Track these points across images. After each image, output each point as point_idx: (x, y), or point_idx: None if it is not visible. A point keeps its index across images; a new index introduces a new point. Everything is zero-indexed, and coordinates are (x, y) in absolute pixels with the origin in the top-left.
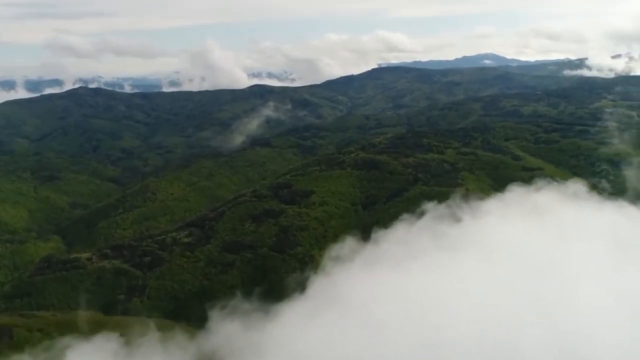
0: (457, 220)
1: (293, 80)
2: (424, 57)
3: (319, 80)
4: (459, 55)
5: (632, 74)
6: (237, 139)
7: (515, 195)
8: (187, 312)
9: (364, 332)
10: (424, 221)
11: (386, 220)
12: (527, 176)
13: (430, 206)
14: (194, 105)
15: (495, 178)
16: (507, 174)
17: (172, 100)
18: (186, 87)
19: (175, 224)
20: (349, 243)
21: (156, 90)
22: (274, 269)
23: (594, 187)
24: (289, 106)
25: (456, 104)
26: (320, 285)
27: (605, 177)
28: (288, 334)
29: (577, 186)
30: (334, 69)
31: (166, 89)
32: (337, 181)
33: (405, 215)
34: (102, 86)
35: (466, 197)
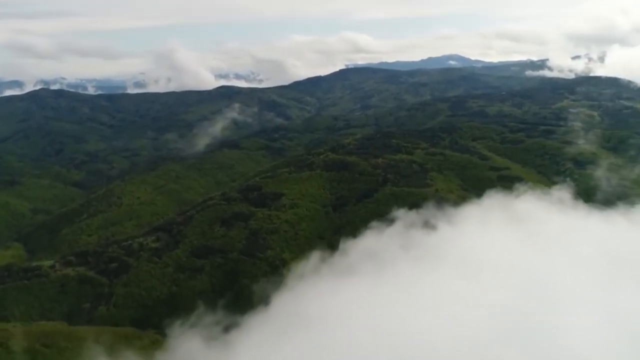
0: (431, 227)
1: (260, 81)
2: (390, 58)
3: (286, 81)
4: (425, 57)
5: (591, 74)
6: (205, 141)
7: (493, 202)
8: (156, 320)
9: (329, 352)
10: (395, 228)
11: (357, 221)
12: (495, 175)
13: (401, 213)
14: (160, 106)
15: (463, 178)
16: (475, 174)
17: (137, 101)
18: (152, 88)
19: (142, 228)
20: (317, 254)
21: (121, 91)
22: (245, 274)
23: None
24: (257, 107)
25: (423, 104)
26: (286, 301)
27: (570, 176)
28: (253, 353)
29: (558, 192)
30: (301, 70)
31: (131, 91)
32: (307, 183)
33: (374, 223)
34: (65, 88)
35: (440, 203)
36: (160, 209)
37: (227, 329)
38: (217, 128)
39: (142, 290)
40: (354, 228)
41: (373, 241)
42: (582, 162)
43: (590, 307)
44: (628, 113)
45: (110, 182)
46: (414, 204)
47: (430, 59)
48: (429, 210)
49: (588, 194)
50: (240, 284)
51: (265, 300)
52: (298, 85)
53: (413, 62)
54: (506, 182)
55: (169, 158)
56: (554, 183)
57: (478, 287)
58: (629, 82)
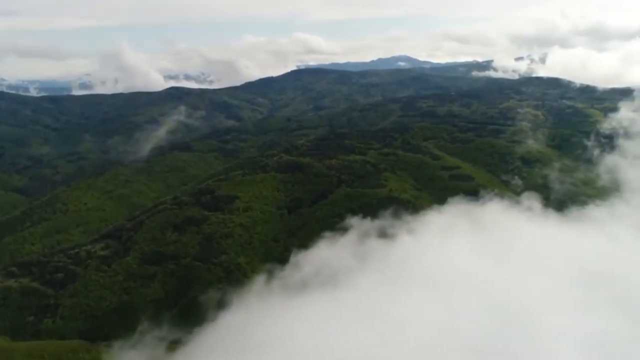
0: (389, 237)
1: (211, 82)
2: (341, 59)
3: (238, 82)
4: (375, 57)
5: (533, 75)
6: (155, 144)
7: (453, 208)
8: (106, 331)
9: None
10: (350, 238)
11: (313, 223)
12: (446, 175)
13: (355, 221)
14: (107, 108)
15: (416, 178)
16: (427, 174)
17: (83, 103)
18: (98, 89)
19: (90, 236)
20: (268, 267)
21: (66, 93)
22: (199, 280)
23: (507, 184)
24: (208, 109)
25: (375, 105)
26: (234, 321)
27: (518, 175)
28: None
29: (519, 198)
30: (253, 71)
31: (77, 92)
32: (261, 185)
33: (328, 233)
34: (5, 89)
35: (398, 210)
36: (109, 215)
37: (173, 346)
38: (167, 130)
39: (91, 301)
40: (309, 230)
41: (326, 253)
42: (529, 161)
43: (563, 329)
44: (570, 112)
45: (55, 188)
46: (370, 210)
47: (380, 59)
48: (385, 219)
49: (536, 191)
50: (194, 290)
51: (213, 316)
52: (250, 86)
53: (364, 63)
54: (457, 182)
55: (118, 162)
56: (503, 181)
57: (442, 307)
58: (569, 82)
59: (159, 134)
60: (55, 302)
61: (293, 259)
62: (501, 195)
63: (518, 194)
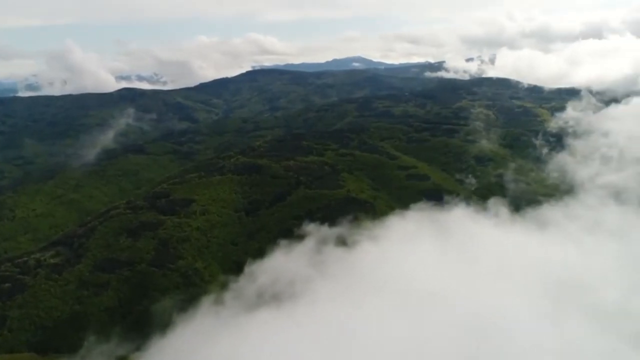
0: (349, 244)
1: (165, 83)
2: (296, 60)
3: (192, 83)
4: (330, 58)
5: (483, 75)
6: (107, 146)
7: (418, 215)
8: (58, 343)
9: None
10: (308, 246)
11: (271, 225)
12: (403, 174)
13: (313, 227)
14: (56, 110)
15: (373, 178)
16: (384, 174)
17: (30, 105)
18: (46, 91)
19: (39, 243)
20: (222, 280)
21: (11, 95)
22: (155, 286)
23: (461, 182)
24: (162, 110)
25: (331, 105)
26: (184, 339)
27: (472, 173)
28: None
29: (492, 206)
30: (208, 72)
31: (23, 94)
32: (218, 188)
33: (284, 241)
34: None
35: (358, 215)
36: (59, 221)
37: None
38: (119, 132)
39: (41, 311)
40: (268, 232)
41: (283, 262)
42: (483, 160)
43: (534, 342)
44: (520, 112)
45: (1, 194)
46: (329, 213)
47: (335, 60)
48: (344, 225)
49: (489, 189)
50: (150, 297)
51: (166, 329)
52: (204, 87)
53: (319, 64)
54: (414, 181)
55: (68, 165)
56: (458, 180)
57: (407, 321)
58: (518, 82)
59: (111, 136)
60: (2, 313)
61: (248, 269)
62: (464, 200)
63: (472, 192)
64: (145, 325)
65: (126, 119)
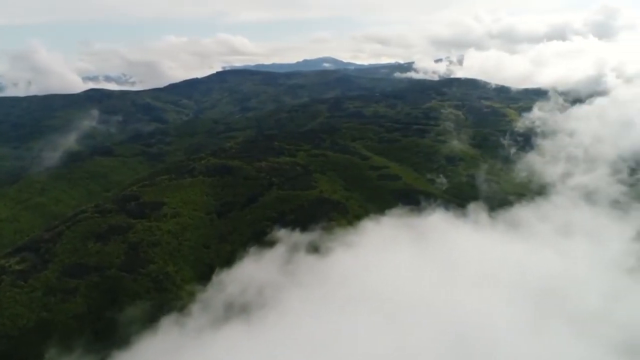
0: (323, 251)
1: (133, 83)
2: (266, 61)
3: (161, 83)
4: (300, 59)
5: (452, 76)
6: (74, 149)
7: (395, 220)
8: (23, 352)
9: None
10: (278, 253)
11: (244, 227)
12: (375, 174)
13: (284, 232)
14: (21, 112)
15: (346, 178)
16: (357, 174)
17: None
18: (10, 92)
19: (4, 249)
20: (192, 284)
21: None
22: (125, 292)
23: (432, 182)
24: (131, 111)
25: (303, 106)
26: (147, 355)
27: (443, 173)
28: None
29: (468, 209)
30: (177, 72)
31: None
32: (189, 190)
33: (254, 249)
34: None
35: (332, 222)
36: (25, 226)
37: None
38: (86, 134)
39: (6, 320)
40: (241, 235)
41: (253, 271)
42: (454, 160)
43: (518, 351)
44: (488, 112)
45: None
46: (302, 215)
47: (305, 61)
48: (317, 230)
49: (460, 189)
50: (120, 303)
51: (132, 338)
52: (174, 88)
53: (289, 64)
54: (386, 181)
55: (33, 168)
56: (429, 180)
57: (384, 331)
58: (486, 83)
59: (78, 138)
60: None
61: (216, 278)
62: (440, 203)
63: (444, 192)
64: (112, 334)
65: (93, 120)
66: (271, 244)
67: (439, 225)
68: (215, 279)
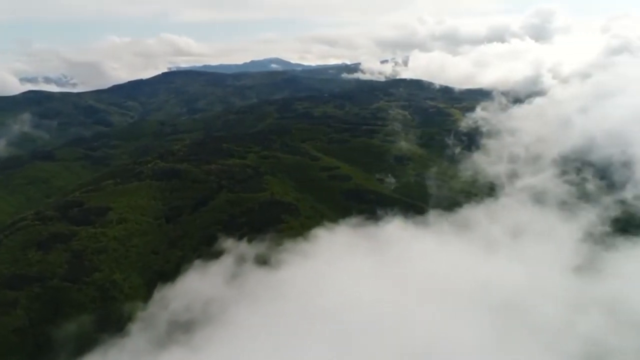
0: (273, 264)
1: (75, 85)
2: (213, 61)
3: (104, 85)
4: (247, 60)
5: (398, 77)
6: (12, 153)
7: (351, 229)
8: None
9: None
10: (225, 265)
11: (193, 231)
12: (325, 175)
13: (231, 244)
14: None
15: (297, 180)
16: (307, 175)
17: None
18: None
19: None
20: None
21: None
22: (69, 302)
23: (382, 182)
24: (73, 113)
25: (251, 107)
26: None
27: (392, 173)
28: None
29: (426, 216)
30: (121, 73)
31: None
32: (136, 194)
33: (198, 262)
34: None
35: (282, 230)
36: None
37: None
38: (25, 137)
39: None
40: (191, 239)
41: (198, 285)
42: (402, 159)
43: None
44: (434, 112)
45: None
46: (253, 218)
47: (253, 62)
48: (266, 241)
49: (409, 188)
50: (64, 315)
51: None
52: (118, 89)
53: (237, 65)
54: (336, 181)
55: None
56: (378, 180)
57: (341, 352)
58: (430, 83)
59: (15, 142)
60: None
61: (158, 294)
62: (395, 210)
63: (392, 191)
64: (56, 348)
65: (32, 123)
66: (218, 254)
67: (394, 233)
68: (157, 294)
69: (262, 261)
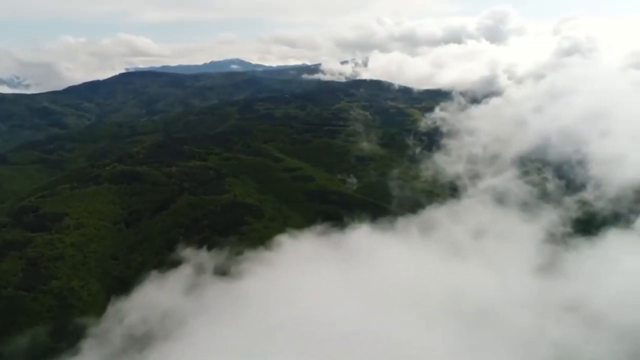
0: (235, 273)
1: (27, 86)
2: (172, 62)
3: (59, 86)
4: (207, 60)
5: (358, 78)
6: None
7: (316, 236)
8: None
9: None
10: (184, 276)
11: (155, 235)
12: (288, 176)
13: (190, 252)
14: None
15: (259, 181)
16: (270, 176)
17: None
18: None
19: None
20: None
21: None
22: (25, 312)
23: (344, 182)
24: (26, 116)
25: (212, 108)
26: None
27: (354, 173)
28: None
29: (395, 222)
30: (76, 74)
31: None
32: (94, 199)
33: (154, 272)
34: None
35: (245, 233)
36: None
37: None
38: None
39: None
40: (152, 244)
41: (155, 297)
42: (364, 159)
43: None
44: (394, 112)
45: None
46: (215, 220)
47: (213, 62)
48: (224, 250)
49: (371, 188)
50: (19, 325)
51: None
52: (74, 91)
53: (196, 66)
54: (299, 182)
55: None
56: (340, 180)
57: None
58: (390, 84)
59: None
60: None
61: (112, 307)
62: (360, 217)
63: (355, 191)
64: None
65: None
66: (176, 263)
67: (359, 240)
68: (111, 308)
69: (222, 272)
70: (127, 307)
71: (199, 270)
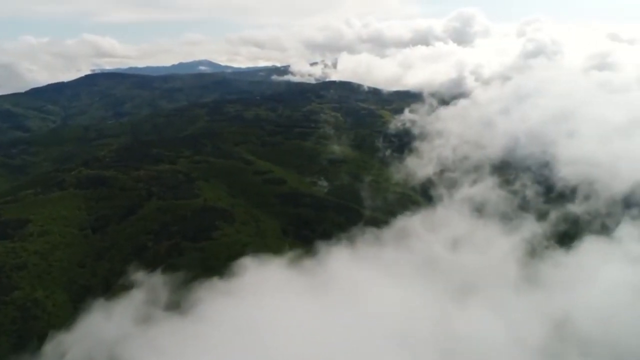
0: (192, 303)
1: None
2: (139, 63)
3: (21, 88)
4: (175, 62)
5: (327, 79)
6: None
7: (284, 261)
8: None
9: None
10: (135, 303)
11: (122, 242)
12: (260, 179)
13: (142, 276)
14: None
15: (230, 184)
16: (241, 179)
17: None
18: None
19: None
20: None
21: None
22: None
23: (315, 184)
24: None
25: (181, 110)
26: None
27: (325, 175)
28: None
29: (367, 233)
30: (39, 75)
31: None
32: (59, 204)
33: (100, 301)
34: None
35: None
36: None
37: None
38: None
39: None
40: (120, 250)
41: (101, 330)
42: (335, 161)
43: None
44: (365, 113)
45: None
46: (185, 226)
47: (181, 64)
48: (179, 274)
49: (342, 190)
50: None
51: None
52: (37, 93)
53: (164, 67)
54: (271, 185)
55: None
56: (311, 182)
57: None
58: (360, 85)
59: None
60: None
61: (53, 340)
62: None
63: (326, 194)
64: None
65: None
66: (127, 288)
67: (332, 265)
68: (48, 346)
69: (177, 303)
70: (69, 340)
71: (151, 299)
